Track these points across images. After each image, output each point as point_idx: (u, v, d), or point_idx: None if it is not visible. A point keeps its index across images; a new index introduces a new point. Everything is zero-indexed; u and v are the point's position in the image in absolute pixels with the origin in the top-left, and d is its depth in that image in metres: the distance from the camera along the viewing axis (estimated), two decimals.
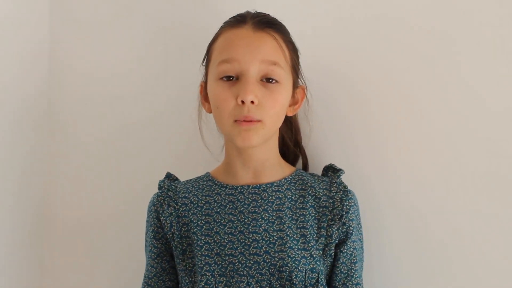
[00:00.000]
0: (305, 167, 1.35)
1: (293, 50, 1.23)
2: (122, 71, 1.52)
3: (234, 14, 1.24)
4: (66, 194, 1.58)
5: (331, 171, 1.27)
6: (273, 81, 1.17)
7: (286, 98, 1.20)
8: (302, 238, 1.18)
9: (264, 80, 1.16)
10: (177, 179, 1.30)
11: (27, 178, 1.56)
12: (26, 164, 1.55)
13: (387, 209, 1.30)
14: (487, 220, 1.21)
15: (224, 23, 1.23)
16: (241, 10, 1.23)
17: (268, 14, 1.23)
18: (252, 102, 1.14)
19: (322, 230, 1.19)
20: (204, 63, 1.26)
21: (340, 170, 1.26)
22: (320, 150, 1.36)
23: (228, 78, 1.16)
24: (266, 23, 1.19)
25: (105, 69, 1.54)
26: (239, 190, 1.22)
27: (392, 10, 1.28)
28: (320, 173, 1.30)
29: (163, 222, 1.23)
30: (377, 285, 1.30)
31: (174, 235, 1.22)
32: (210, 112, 1.24)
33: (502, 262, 1.20)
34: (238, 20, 1.20)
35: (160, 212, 1.24)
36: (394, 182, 1.29)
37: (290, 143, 1.33)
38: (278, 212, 1.20)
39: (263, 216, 1.20)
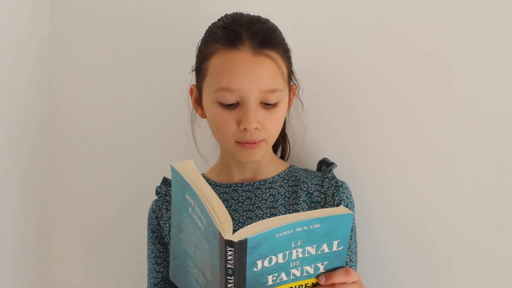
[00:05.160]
0: (283, 156, 1.34)
1: (288, 58, 1.20)
2: (121, 73, 1.53)
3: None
4: (67, 195, 1.59)
5: (325, 165, 1.27)
6: (273, 105, 1.16)
7: (285, 110, 1.20)
8: None
9: (264, 104, 1.15)
10: None
11: (28, 179, 1.56)
12: (27, 166, 1.56)
13: (379, 208, 1.30)
14: (478, 218, 1.22)
15: (214, 33, 1.17)
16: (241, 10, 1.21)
17: (260, 19, 1.18)
18: (255, 127, 1.14)
19: None
20: (194, 70, 1.23)
21: (332, 164, 1.26)
22: (313, 151, 1.36)
23: (228, 105, 1.15)
24: (264, 42, 1.14)
25: (104, 70, 1.55)
26: (232, 188, 1.23)
27: (385, 13, 1.29)
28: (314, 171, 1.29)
29: (163, 226, 1.24)
30: (373, 284, 1.30)
31: None
32: (204, 117, 1.23)
33: (495, 261, 1.22)
34: (234, 40, 1.14)
35: (159, 216, 1.25)
36: (387, 182, 1.30)
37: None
38: (272, 209, 1.21)
39: (257, 213, 1.20)
